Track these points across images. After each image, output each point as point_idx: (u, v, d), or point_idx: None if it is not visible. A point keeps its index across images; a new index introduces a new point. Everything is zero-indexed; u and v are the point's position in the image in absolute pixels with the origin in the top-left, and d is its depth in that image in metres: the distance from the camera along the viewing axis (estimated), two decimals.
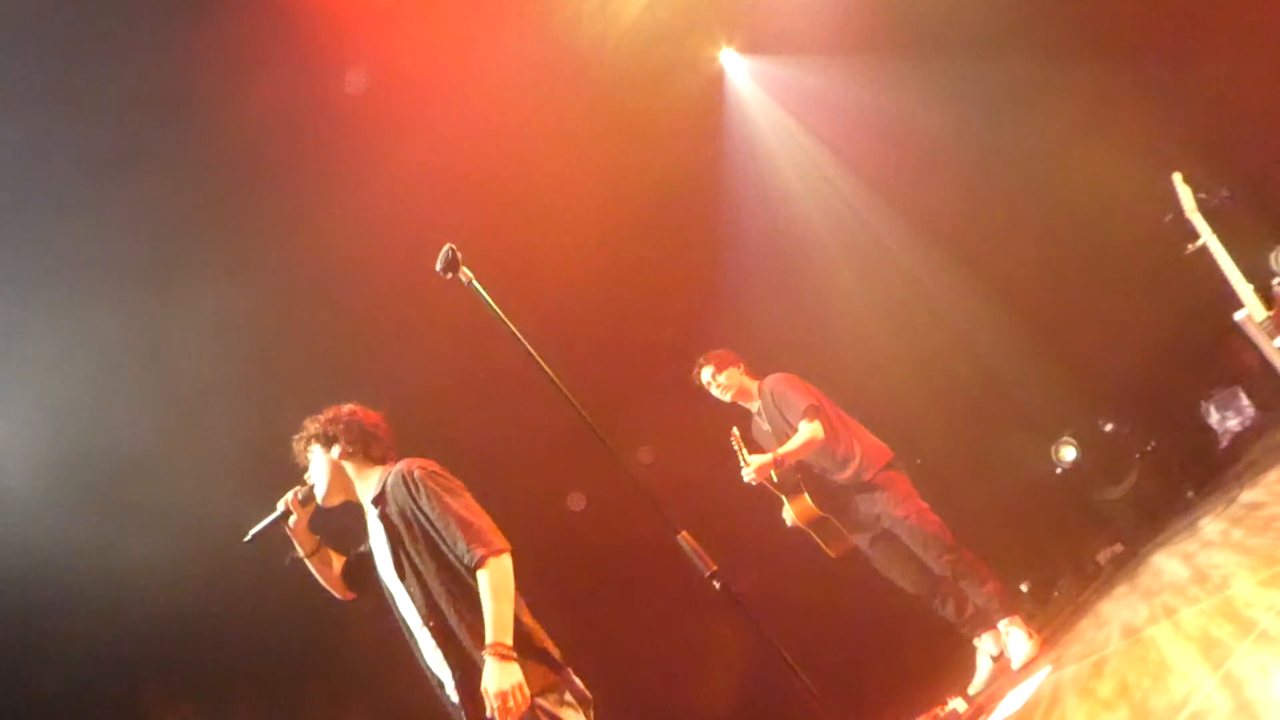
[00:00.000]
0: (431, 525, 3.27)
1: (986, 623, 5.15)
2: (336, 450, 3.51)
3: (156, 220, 5.13)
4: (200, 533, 4.76)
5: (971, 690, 5.18)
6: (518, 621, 3.21)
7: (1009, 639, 5.05)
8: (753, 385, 5.55)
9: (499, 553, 3.18)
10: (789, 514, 5.25)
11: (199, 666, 5.68)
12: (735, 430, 5.38)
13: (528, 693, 3.07)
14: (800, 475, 5.26)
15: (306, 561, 3.57)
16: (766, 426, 5.51)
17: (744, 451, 5.22)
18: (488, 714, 3.08)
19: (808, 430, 5.18)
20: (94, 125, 4.76)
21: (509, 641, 3.09)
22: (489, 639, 3.10)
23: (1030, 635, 5.00)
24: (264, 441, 3.88)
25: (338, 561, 3.63)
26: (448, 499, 3.27)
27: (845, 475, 5.31)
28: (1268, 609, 2.94)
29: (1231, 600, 3.27)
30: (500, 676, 3.05)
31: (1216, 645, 2.96)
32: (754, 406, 5.57)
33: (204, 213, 5.31)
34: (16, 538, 5.00)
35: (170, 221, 5.22)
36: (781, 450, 5.13)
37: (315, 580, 3.63)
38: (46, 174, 4.78)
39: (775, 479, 5.21)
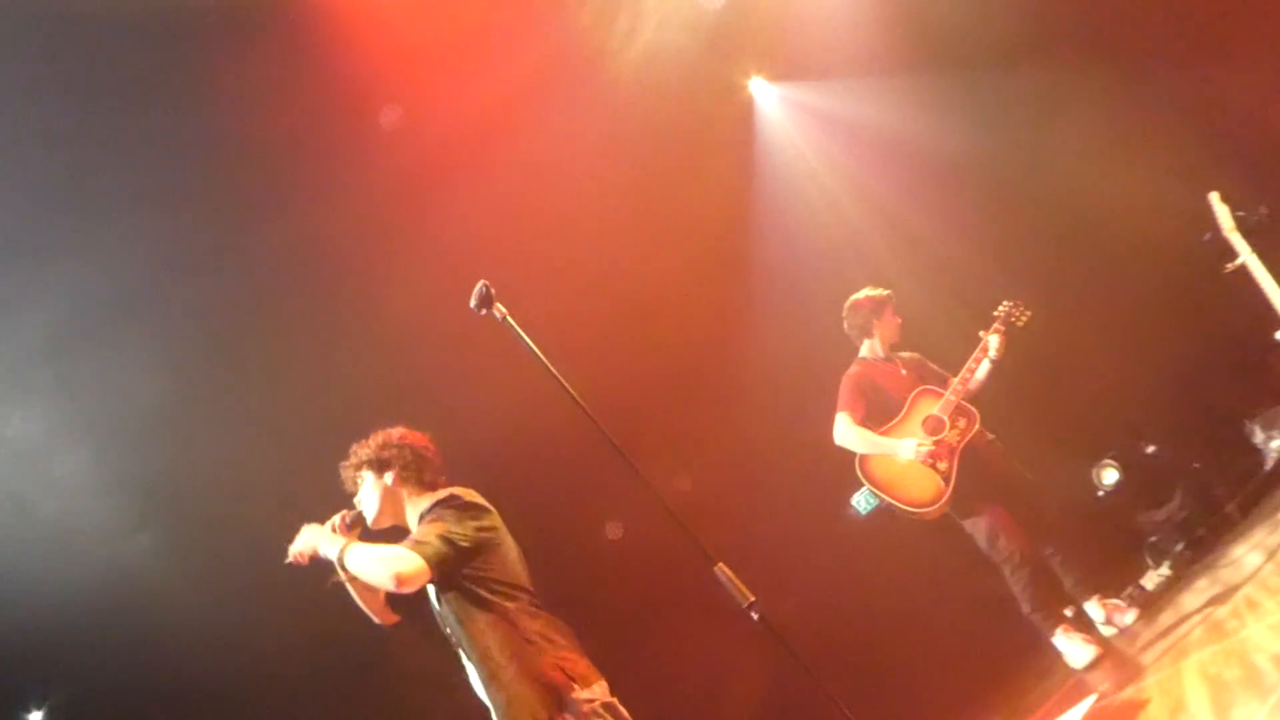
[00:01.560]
0: None
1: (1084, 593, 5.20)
2: (390, 476, 3.49)
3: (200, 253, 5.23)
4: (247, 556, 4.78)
5: (1075, 665, 5.12)
6: (547, 638, 3.21)
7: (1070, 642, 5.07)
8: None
9: (402, 562, 3.14)
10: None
11: (250, 690, 5.74)
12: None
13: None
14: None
15: (349, 586, 3.49)
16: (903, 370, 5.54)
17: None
18: None
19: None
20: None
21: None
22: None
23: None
24: (309, 469, 3.89)
25: (375, 592, 3.56)
26: (441, 520, 3.26)
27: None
28: None
29: None
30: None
31: None
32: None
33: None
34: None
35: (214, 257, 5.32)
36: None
37: (356, 606, 3.58)
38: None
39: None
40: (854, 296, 5.61)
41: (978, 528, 5.23)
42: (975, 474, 5.18)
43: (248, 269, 5.52)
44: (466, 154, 5.95)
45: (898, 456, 5.20)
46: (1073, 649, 5.01)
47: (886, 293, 5.60)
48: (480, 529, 3.32)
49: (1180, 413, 6.37)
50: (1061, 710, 4.47)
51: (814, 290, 5.73)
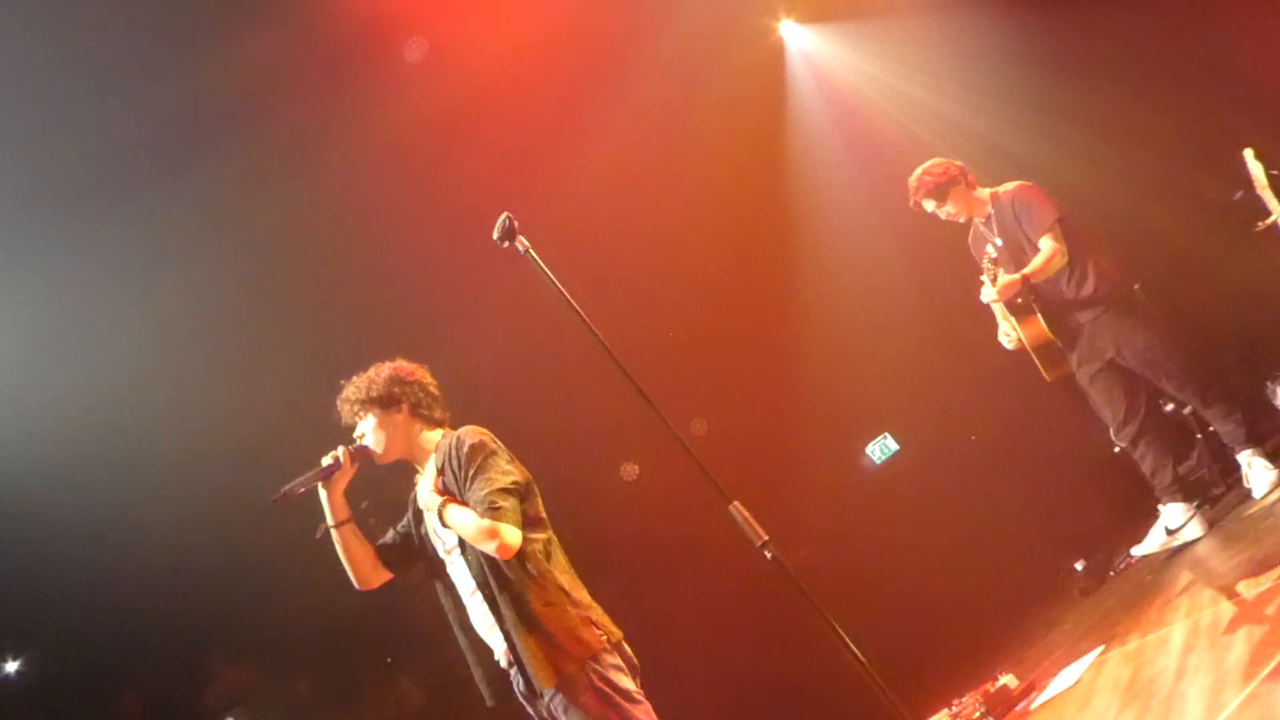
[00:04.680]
0: (468, 493, 3.25)
1: (1175, 492, 5.08)
2: (402, 410, 3.47)
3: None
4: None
5: (1135, 551, 5.10)
6: (569, 596, 3.23)
7: (1250, 470, 4.99)
8: (983, 194, 5.25)
9: (507, 533, 3.14)
10: (1013, 334, 5.13)
11: (259, 631, 5.82)
12: (991, 251, 5.08)
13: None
14: (1034, 295, 5.07)
15: (334, 533, 3.47)
16: (997, 238, 5.20)
17: (996, 270, 5.02)
18: (532, 681, 3.14)
19: (1049, 246, 4.98)
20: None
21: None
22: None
23: (1272, 467, 4.92)
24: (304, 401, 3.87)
25: (362, 544, 3.53)
26: (489, 471, 3.24)
27: (1084, 293, 5.09)
28: None
29: None
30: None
31: None
32: (981, 217, 5.29)
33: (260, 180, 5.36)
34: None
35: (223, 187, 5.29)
36: (1028, 269, 4.97)
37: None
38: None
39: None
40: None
41: None
42: None
43: (271, 201, 5.49)
44: (494, 92, 5.89)
45: None
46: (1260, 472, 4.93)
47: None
48: (519, 466, 3.34)
49: (1202, 371, 6.31)
50: (1066, 663, 4.49)
51: (844, 238, 5.65)
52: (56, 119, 4.79)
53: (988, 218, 5.27)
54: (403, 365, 3.56)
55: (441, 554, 3.44)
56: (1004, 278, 5.01)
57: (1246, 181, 5.07)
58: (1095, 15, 6.18)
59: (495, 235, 3.24)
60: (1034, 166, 6.60)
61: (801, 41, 7.31)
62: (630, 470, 6.77)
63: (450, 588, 3.42)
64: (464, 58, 5.68)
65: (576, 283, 3.31)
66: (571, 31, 6.04)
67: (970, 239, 5.41)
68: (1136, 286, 5.42)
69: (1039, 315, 5.10)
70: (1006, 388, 6.33)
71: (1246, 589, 3.63)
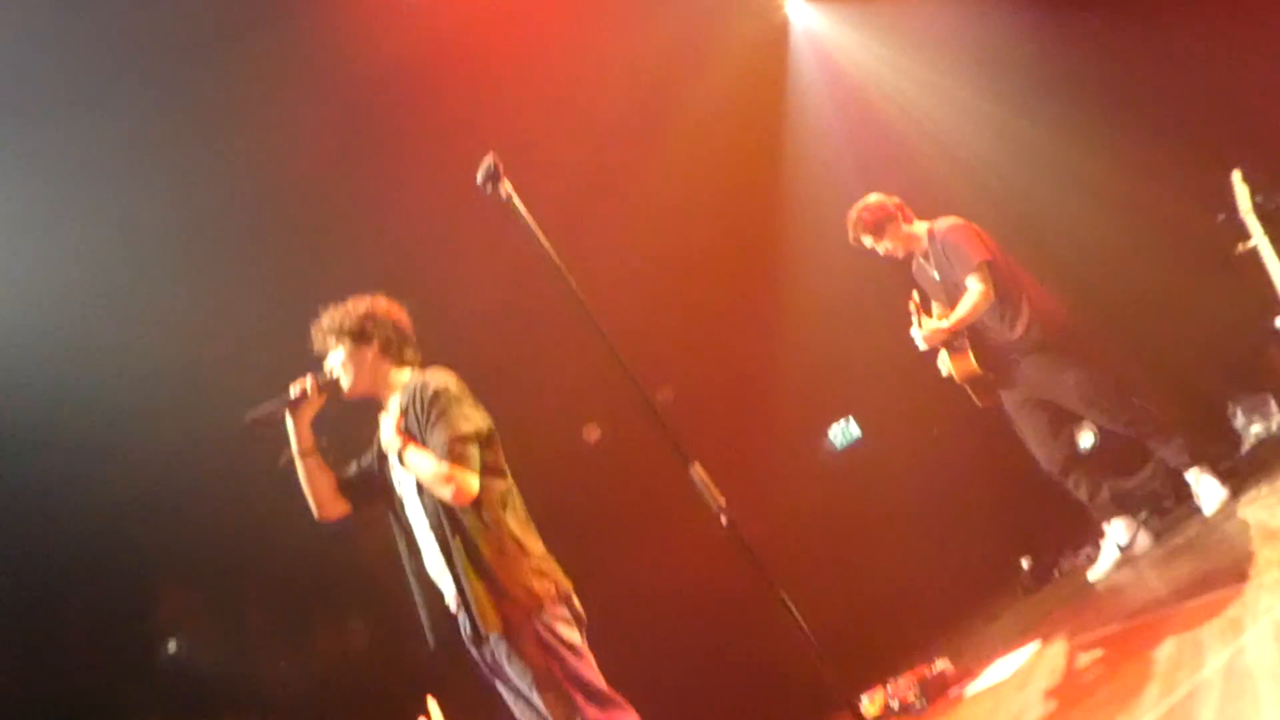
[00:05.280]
0: (428, 437, 3.24)
1: (1114, 510, 5.13)
2: (372, 347, 3.46)
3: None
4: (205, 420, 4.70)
5: (1091, 576, 5.13)
6: (522, 545, 3.24)
7: (1199, 486, 5.03)
8: (920, 231, 5.30)
9: (464, 480, 3.15)
10: (946, 365, 5.22)
11: (210, 559, 5.78)
12: (916, 295, 5.20)
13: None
14: (966, 330, 5.16)
15: (299, 462, 3.46)
16: (935, 275, 5.29)
17: (920, 316, 5.11)
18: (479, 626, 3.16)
19: (977, 292, 5.02)
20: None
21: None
22: None
23: (1224, 482, 4.97)
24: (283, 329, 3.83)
25: (326, 475, 3.52)
26: (451, 417, 3.23)
27: (1014, 335, 5.14)
28: None
29: None
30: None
31: None
32: (920, 252, 5.34)
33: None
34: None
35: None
36: (954, 318, 5.04)
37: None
38: None
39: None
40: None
41: None
42: None
43: (247, 133, 5.38)
44: (486, 40, 5.81)
45: None
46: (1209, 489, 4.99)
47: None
48: (482, 413, 3.34)
49: (1167, 386, 6.40)
50: (1002, 655, 4.57)
51: (834, 219, 5.64)
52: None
53: (926, 253, 5.31)
54: (380, 302, 3.54)
55: (399, 494, 3.43)
56: (929, 324, 5.08)
57: (1231, 204, 5.13)
58: (1105, 33, 6.17)
59: (479, 178, 3.20)
60: (1018, 178, 6.68)
61: (808, 20, 7.26)
62: (593, 431, 6.78)
63: (406, 528, 3.42)
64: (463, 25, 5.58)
65: (558, 235, 3.29)
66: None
67: (913, 271, 5.46)
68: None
69: (969, 352, 5.17)
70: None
71: (1181, 602, 3.70)
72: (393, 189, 5.68)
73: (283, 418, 3.44)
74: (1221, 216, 5.23)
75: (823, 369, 6.96)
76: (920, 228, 5.29)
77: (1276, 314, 5.02)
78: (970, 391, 5.25)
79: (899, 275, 5.88)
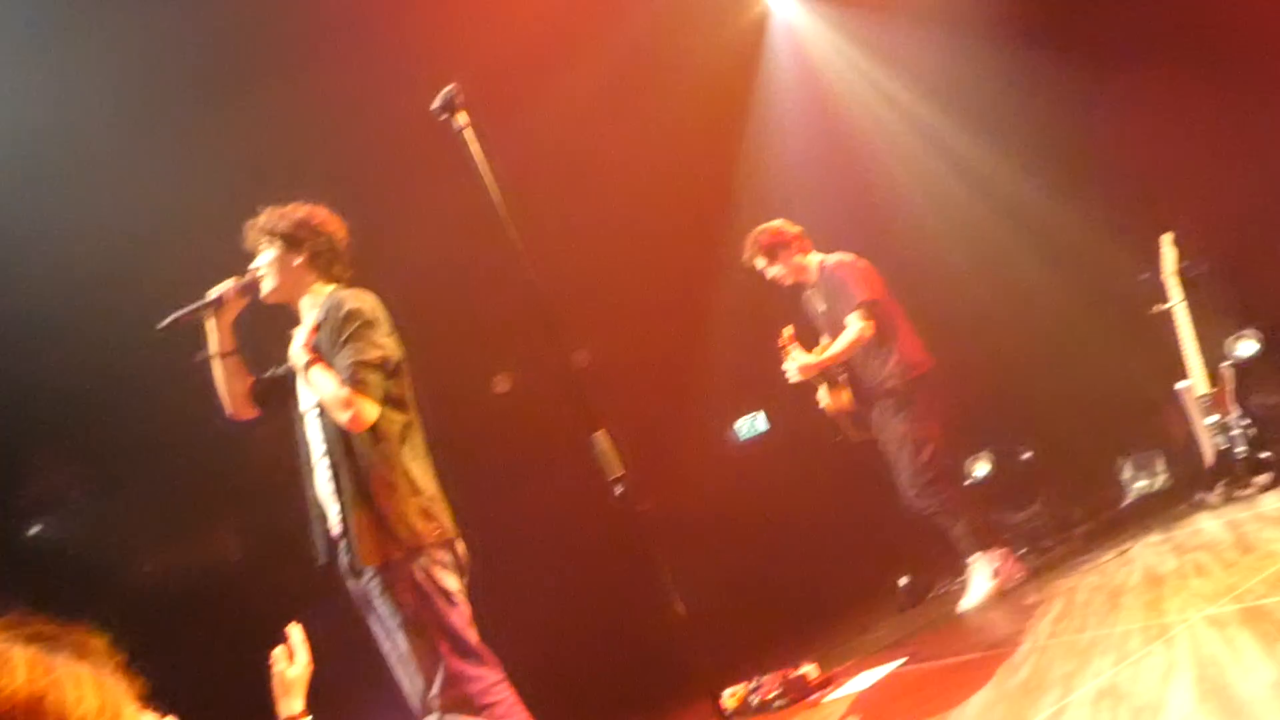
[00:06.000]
0: (335, 358, 3.17)
1: (973, 545, 5.11)
2: (301, 257, 3.36)
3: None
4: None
5: (961, 606, 5.14)
6: (414, 483, 3.17)
7: (972, 574, 5.09)
8: (812, 263, 5.35)
9: (362, 406, 3.09)
10: (824, 397, 5.31)
11: (93, 444, 5.60)
12: (789, 330, 5.24)
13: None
14: (845, 366, 5.26)
15: (216, 362, 3.40)
16: (822, 307, 5.37)
17: (793, 347, 5.17)
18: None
19: (855, 330, 5.08)
20: None
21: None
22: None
23: (994, 576, 5.00)
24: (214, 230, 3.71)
25: (242, 378, 3.46)
26: (361, 341, 3.16)
27: (876, 379, 5.22)
28: None
29: None
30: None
31: None
32: (809, 284, 5.40)
33: None
34: None
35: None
36: (827, 354, 5.13)
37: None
38: None
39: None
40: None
41: None
42: None
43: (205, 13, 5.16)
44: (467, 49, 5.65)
45: None
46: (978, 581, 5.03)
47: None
48: (394, 342, 3.27)
49: (1065, 431, 6.59)
50: (868, 667, 4.66)
51: (785, 213, 5.67)
52: None
53: (814, 285, 5.38)
54: (319, 211, 3.44)
55: (301, 409, 3.36)
56: (802, 358, 5.15)
57: (1156, 265, 5.28)
58: (1066, 83, 6.26)
59: (435, 104, 3.13)
60: (961, 202, 6.77)
61: (788, 12, 7.23)
62: (503, 381, 6.73)
63: (305, 444, 3.35)
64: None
65: (508, 182, 3.23)
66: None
67: (804, 300, 5.54)
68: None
69: (846, 387, 5.28)
70: None
71: (1049, 638, 3.81)
72: (353, 102, 5.51)
73: (202, 319, 3.37)
74: (1145, 276, 5.40)
75: (744, 361, 7.00)
76: (813, 259, 5.37)
77: (1179, 376, 5.20)
78: (843, 425, 5.37)
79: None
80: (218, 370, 3.42)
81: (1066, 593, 4.40)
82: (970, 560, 5.12)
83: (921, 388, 5.18)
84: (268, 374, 3.52)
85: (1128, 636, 3.21)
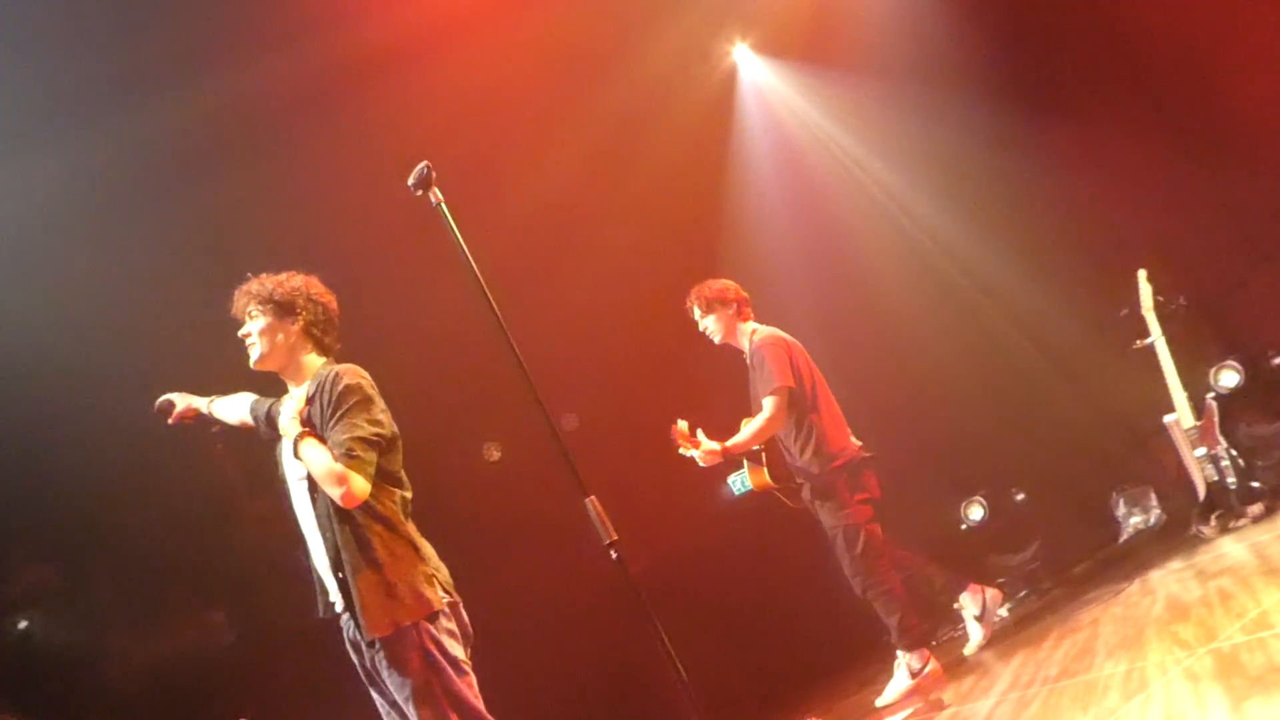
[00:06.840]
0: (329, 433, 3.16)
1: (902, 642, 5.02)
2: (296, 323, 3.36)
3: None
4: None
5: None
6: (418, 551, 3.16)
7: (896, 670, 5.05)
8: (746, 329, 5.28)
9: (356, 483, 3.07)
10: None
11: (71, 535, 5.54)
12: (681, 423, 5.18)
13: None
14: (764, 447, 5.21)
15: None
16: (752, 378, 5.31)
17: (688, 441, 5.11)
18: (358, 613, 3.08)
19: (764, 417, 5.02)
20: None
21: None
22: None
23: (911, 677, 4.95)
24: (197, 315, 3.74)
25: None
26: (356, 417, 3.14)
27: (798, 463, 5.16)
28: None
29: None
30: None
31: None
32: (740, 350, 5.34)
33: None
34: None
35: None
36: (731, 442, 5.05)
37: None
38: None
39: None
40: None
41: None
42: None
43: (181, 111, 5.23)
44: (431, 45, 5.74)
45: None
46: (899, 678, 5.02)
47: None
48: (389, 419, 3.26)
49: (1057, 470, 6.59)
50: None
51: (762, 271, 5.70)
52: None
53: (744, 354, 5.33)
54: (314, 282, 3.45)
55: (287, 479, 3.33)
56: (706, 445, 5.09)
57: (1134, 300, 5.35)
58: (1035, 135, 6.37)
59: (410, 181, 3.17)
60: (927, 255, 6.85)
61: (755, 72, 7.35)
62: (492, 449, 6.70)
63: (293, 513, 3.31)
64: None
65: (483, 251, 3.26)
66: (521, 48, 5.97)
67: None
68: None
69: (764, 467, 5.27)
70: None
71: (1058, 680, 3.78)
72: (327, 178, 5.57)
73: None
74: (1124, 312, 5.46)
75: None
76: (748, 328, 5.31)
77: (1164, 411, 5.24)
78: (779, 495, 5.35)
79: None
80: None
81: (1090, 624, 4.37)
82: (900, 653, 5.07)
83: (841, 477, 5.08)
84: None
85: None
